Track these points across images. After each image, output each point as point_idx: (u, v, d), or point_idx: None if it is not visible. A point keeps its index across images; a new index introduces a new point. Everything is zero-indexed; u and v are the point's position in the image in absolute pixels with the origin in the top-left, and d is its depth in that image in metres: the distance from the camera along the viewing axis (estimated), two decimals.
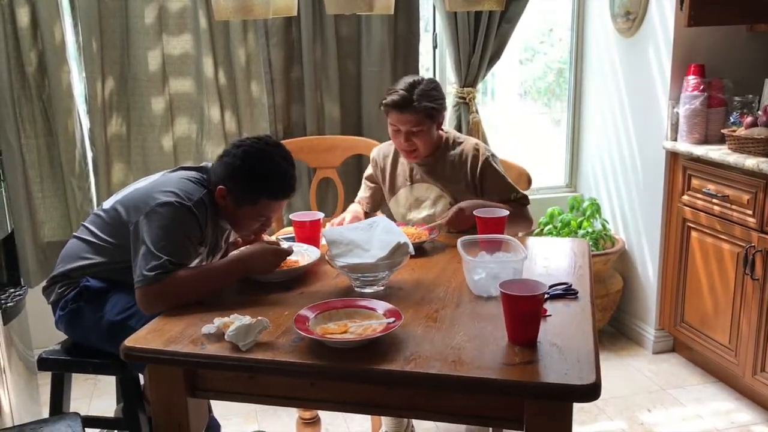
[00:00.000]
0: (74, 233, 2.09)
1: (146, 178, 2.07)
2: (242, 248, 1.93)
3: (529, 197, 2.40)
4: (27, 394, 2.53)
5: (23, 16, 2.86)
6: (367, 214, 2.46)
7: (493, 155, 2.39)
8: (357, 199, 2.60)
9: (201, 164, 2.08)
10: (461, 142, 2.40)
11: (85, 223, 2.06)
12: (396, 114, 2.26)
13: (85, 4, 2.92)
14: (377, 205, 2.60)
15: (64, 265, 2.02)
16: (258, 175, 1.92)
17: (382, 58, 3.24)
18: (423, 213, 2.41)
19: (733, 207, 2.75)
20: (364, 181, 2.60)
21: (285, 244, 2.11)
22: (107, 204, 2.03)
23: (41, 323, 2.52)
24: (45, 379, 2.26)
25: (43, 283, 2.07)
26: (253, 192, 1.92)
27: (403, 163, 2.45)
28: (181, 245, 1.83)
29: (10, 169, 2.94)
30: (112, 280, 1.96)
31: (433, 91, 2.28)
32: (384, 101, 2.29)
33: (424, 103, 2.24)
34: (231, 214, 1.98)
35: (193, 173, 2.00)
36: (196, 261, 1.97)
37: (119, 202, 1.98)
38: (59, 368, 2.07)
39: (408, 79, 2.29)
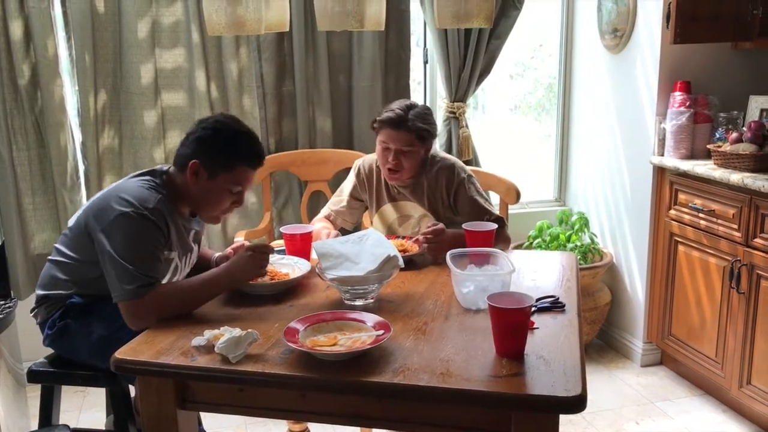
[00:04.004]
0: (49, 256, 2.06)
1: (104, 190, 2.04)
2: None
3: (519, 211, 2.41)
4: (15, 407, 2.52)
5: (16, 29, 2.87)
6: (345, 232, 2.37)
7: (468, 176, 2.38)
8: (326, 212, 2.52)
9: (155, 168, 2.03)
10: (438, 161, 2.39)
11: (55, 245, 2.04)
12: (389, 131, 2.27)
13: (79, 18, 2.94)
14: (355, 223, 2.56)
15: (43, 290, 2.03)
16: (232, 140, 1.92)
17: (374, 73, 3.27)
18: (408, 231, 2.42)
19: (719, 221, 2.79)
20: (345, 196, 2.51)
21: (275, 257, 2.13)
22: (71, 221, 2.01)
23: (30, 336, 2.52)
24: (34, 392, 2.25)
25: (32, 305, 2.07)
26: (228, 157, 1.91)
27: (385, 180, 2.43)
28: (148, 254, 1.82)
29: (1, 181, 2.95)
30: (95, 296, 1.95)
31: (427, 115, 2.32)
32: (378, 118, 2.30)
33: (418, 124, 2.27)
34: (203, 192, 1.94)
35: (146, 178, 1.95)
36: (172, 266, 1.97)
37: (80, 215, 1.97)
38: (49, 380, 2.07)
39: (403, 101, 2.33)
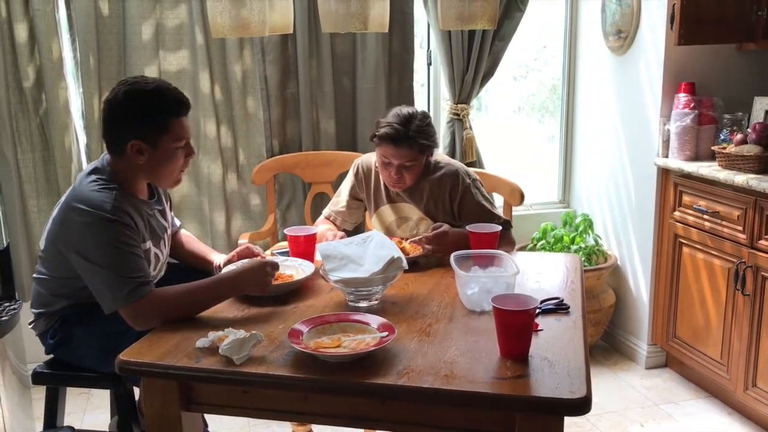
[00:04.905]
0: (34, 274, 2.04)
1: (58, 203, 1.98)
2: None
3: (523, 213, 2.40)
4: (20, 409, 2.52)
5: (21, 32, 2.88)
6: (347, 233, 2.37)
7: (474, 181, 2.36)
8: (326, 213, 2.52)
9: (96, 165, 1.94)
10: (442, 167, 2.36)
11: (37, 265, 2.02)
12: (390, 147, 2.22)
13: (83, 21, 2.95)
14: (355, 222, 2.55)
15: (37, 308, 2.02)
16: (151, 103, 1.86)
17: (377, 75, 3.27)
18: (407, 232, 2.41)
19: (724, 223, 2.78)
20: (344, 196, 2.51)
21: (279, 259, 2.13)
22: (42, 242, 1.98)
23: (35, 337, 2.53)
24: (38, 394, 2.26)
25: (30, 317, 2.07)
26: (158, 118, 1.86)
27: (384, 182, 2.42)
28: (126, 254, 1.79)
29: (6, 183, 2.95)
30: (90, 303, 1.89)
31: (427, 127, 2.26)
32: (378, 133, 2.24)
33: (420, 140, 2.22)
34: (155, 164, 1.89)
35: (93, 178, 1.88)
36: (152, 256, 1.96)
37: (47, 235, 1.94)
38: (53, 382, 2.08)
39: (401, 112, 2.25)
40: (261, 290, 1.85)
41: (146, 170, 1.92)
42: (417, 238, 2.21)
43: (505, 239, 2.25)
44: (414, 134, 2.21)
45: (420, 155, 2.27)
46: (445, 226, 2.20)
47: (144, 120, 1.86)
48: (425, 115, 2.29)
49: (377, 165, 2.36)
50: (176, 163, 1.93)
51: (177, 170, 1.95)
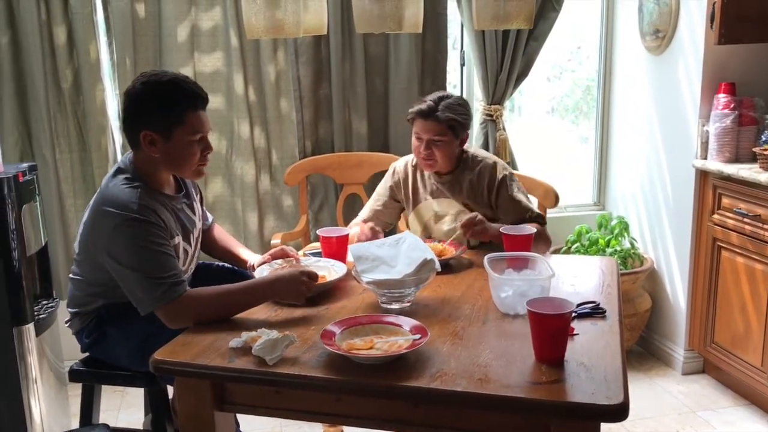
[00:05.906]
0: (70, 275, 2.06)
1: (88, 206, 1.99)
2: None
3: (557, 215, 2.38)
4: (57, 405, 2.57)
5: (60, 35, 2.94)
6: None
7: (510, 174, 2.40)
8: (363, 216, 2.55)
9: (119, 165, 1.95)
10: (480, 161, 2.42)
11: (72, 267, 2.05)
12: (420, 121, 2.33)
13: (120, 23, 2.99)
14: (389, 223, 2.58)
15: (73, 307, 2.05)
16: (164, 94, 1.85)
17: (410, 76, 3.26)
18: (445, 227, 2.42)
19: (765, 227, 2.71)
20: (382, 197, 2.54)
21: (311, 260, 2.13)
22: (76, 245, 2.00)
23: (72, 335, 2.56)
24: (74, 391, 2.29)
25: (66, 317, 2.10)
26: (171, 111, 1.85)
27: (424, 178, 2.47)
28: (157, 254, 1.79)
29: (44, 183, 3.00)
30: (125, 303, 1.90)
31: (458, 106, 2.35)
32: (411, 109, 2.36)
33: (447, 114, 2.30)
34: (169, 155, 1.89)
35: (118, 177, 1.89)
36: (180, 252, 1.95)
37: (80, 239, 1.95)
38: (89, 380, 2.11)
39: (438, 93, 2.39)
40: (295, 299, 1.85)
41: (163, 163, 1.91)
42: (449, 241, 2.23)
43: (541, 238, 2.25)
44: (443, 109, 2.31)
45: (449, 131, 2.32)
46: (480, 216, 2.22)
47: (159, 111, 1.86)
48: (460, 97, 2.41)
49: (412, 148, 2.40)
50: (192, 156, 1.91)
51: (194, 163, 1.93)
